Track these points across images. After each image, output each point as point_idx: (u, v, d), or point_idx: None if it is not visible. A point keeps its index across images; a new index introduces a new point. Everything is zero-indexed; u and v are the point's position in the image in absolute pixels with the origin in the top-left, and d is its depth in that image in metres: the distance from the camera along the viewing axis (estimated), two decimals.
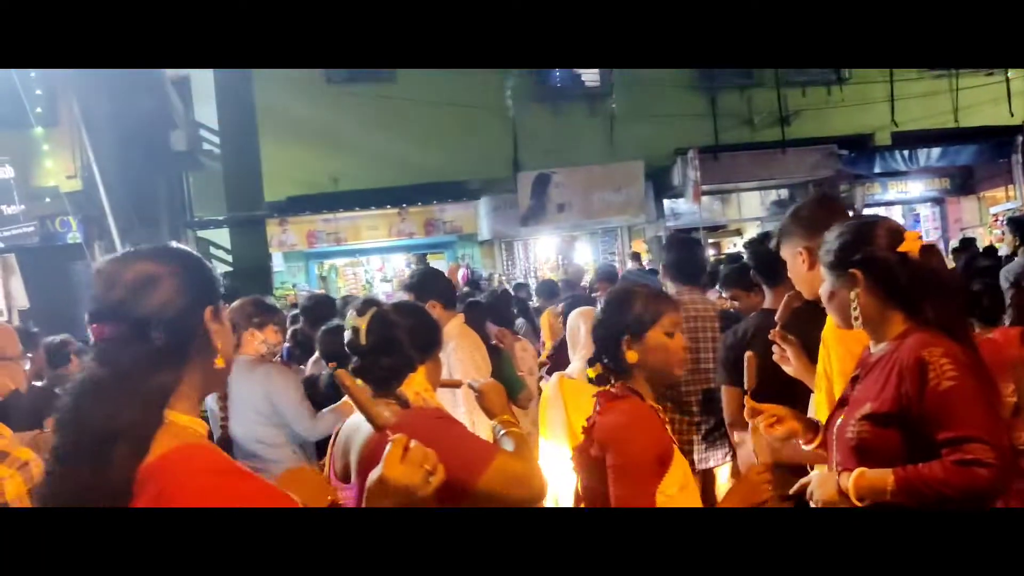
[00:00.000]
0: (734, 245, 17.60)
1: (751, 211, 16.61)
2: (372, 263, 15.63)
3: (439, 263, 15.39)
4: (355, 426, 2.25)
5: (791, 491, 2.25)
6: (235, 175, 15.10)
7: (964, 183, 16.85)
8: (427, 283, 4.20)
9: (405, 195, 14.32)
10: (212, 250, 16.54)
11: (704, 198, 14.70)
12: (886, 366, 2.08)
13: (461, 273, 14.35)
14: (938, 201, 17.31)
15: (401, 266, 15.59)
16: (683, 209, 15.70)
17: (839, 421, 2.19)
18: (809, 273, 2.58)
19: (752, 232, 17.18)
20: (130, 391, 1.34)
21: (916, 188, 16.84)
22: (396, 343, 2.25)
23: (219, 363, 1.45)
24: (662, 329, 2.31)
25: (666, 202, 15.60)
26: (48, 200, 11.84)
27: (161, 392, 1.38)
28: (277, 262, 14.54)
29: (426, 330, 2.41)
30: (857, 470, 2.03)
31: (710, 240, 16.88)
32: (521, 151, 14.79)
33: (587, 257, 16.05)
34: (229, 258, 16.38)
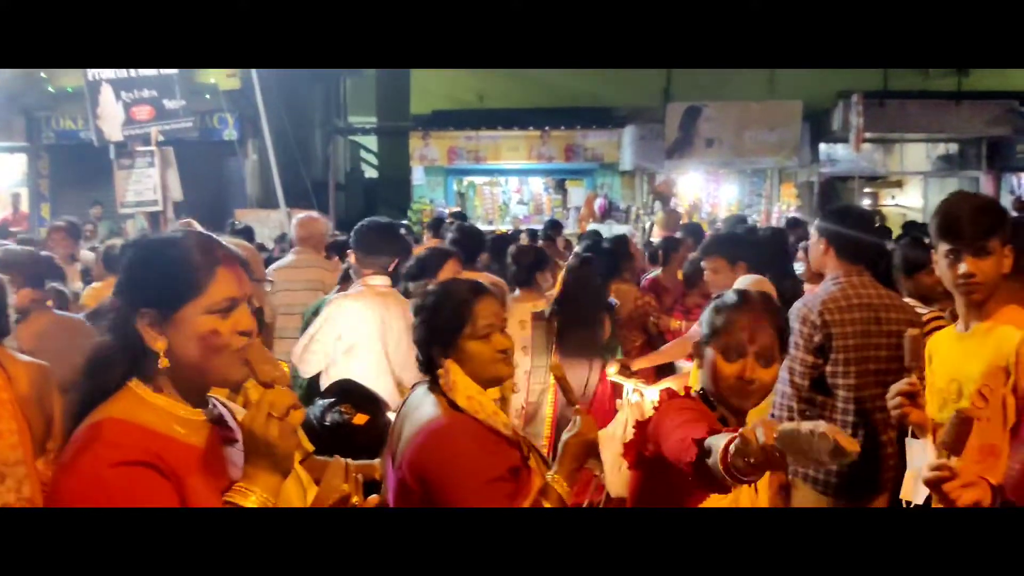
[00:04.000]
0: (892, 198, 16.63)
1: (914, 164, 15.56)
2: (510, 184, 15.61)
3: (577, 190, 15.24)
4: (412, 408, 2.17)
5: None
6: (386, 84, 15.31)
7: None
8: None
9: (548, 117, 14.13)
10: (363, 154, 16.93)
11: (864, 145, 13.89)
12: None
13: (598, 203, 14.18)
14: None
15: (539, 190, 15.50)
16: (840, 155, 14.89)
17: None
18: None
19: (915, 186, 16.17)
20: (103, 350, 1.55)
21: None
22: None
23: (162, 363, 1.51)
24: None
25: (822, 146, 14.81)
26: (208, 96, 12.30)
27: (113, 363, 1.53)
28: (417, 176, 14.74)
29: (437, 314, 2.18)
30: None
31: (866, 190, 15.99)
32: (673, 81, 14.28)
33: (733, 197, 15.49)
34: (375, 162, 16.78)
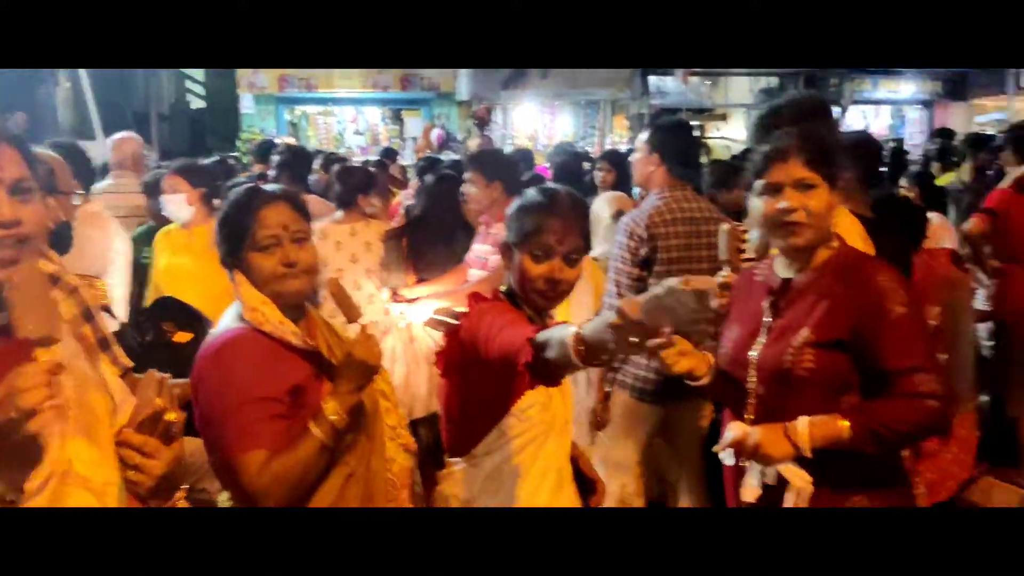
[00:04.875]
0: (717, 129, 17.29)
1: (739, 96, 16.23)
2: (345, 114, 15.21)
3: (414, 120, 15.05)
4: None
5: (718, 448, 2.12)
6: None
7: (955, 88, 16.43)
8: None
9: None
10: (188, 84, 16.09)
11: (692, 79, 14.33)
12: (824, 291, 2.03)
13: (435, 134, 14.04)
14: (927, 104, 16.96)
15: (375, 120, 15.21)
16: (669, 88, 15.31)
17: (756, 351, 2.11)
18: None
19: (739, 118, 16.86)
20: None
21: (907, 89, 16.47)
22: None
23: None
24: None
25: (652, 79, 15.18)
26: None
27: None
28: (247, 104, 14.13)
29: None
30: (805, 420, 1.95)
31: (693, 122, 16.51)
32: None
33: (568, 128, 15.70)
34: (203, 92, 15.96)
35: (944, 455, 4.28)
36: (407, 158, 12.89)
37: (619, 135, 15.06)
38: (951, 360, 4.09)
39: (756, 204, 2.11)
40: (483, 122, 13.91)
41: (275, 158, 5.26)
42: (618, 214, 4.14)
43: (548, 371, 1.64)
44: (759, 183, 2.09)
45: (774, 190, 2.06)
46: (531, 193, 2.11)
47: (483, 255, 4.09)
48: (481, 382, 1.96)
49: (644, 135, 3.53)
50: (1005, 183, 4.73)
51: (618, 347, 1.42)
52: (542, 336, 1.63)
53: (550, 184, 2.19)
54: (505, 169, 4.26)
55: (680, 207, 3.34)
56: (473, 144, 9.92)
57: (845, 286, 2.02)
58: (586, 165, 6.80)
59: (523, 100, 14.73)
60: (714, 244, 3.23)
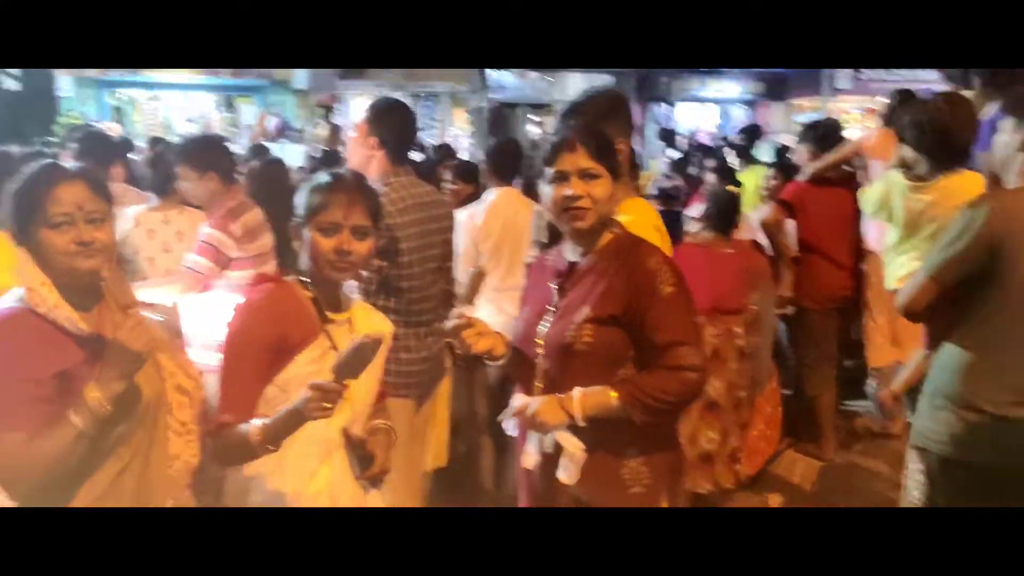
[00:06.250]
0: None
1: (576, 93, 16.43)
2: (173, 100, 14.58)
3: (250, 108, 14.62)
4: None
5: (501, 418, 2.25)
6: None
7: (775, 89, 17.47)
8: None
9: None
10: None
11: (531, 74, 14.55)
12: (603, 272, 2.18)
13: (272, 122, 13.67)
14: (750, 103, 17.94)
15: (208, 107, 14.66)
16: (508, 82, 15.50)
17: (542, 329, 2.25)
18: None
19: None
20: None
21: (732, 88, 17.36)
22: None
23: None
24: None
25: (492, 73, 15.33)
26: None
27: None
28: (66, 86, 13.31)
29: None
30: (578, 390, 2.10)
31: (531, 116, 16.80)
32: None
33: None
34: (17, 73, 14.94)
35: (751, 431, 4.57)
36: (242, 147, 12.50)
37: (459, 128, 15.14)
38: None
39: (545, 191, 2.23)
40: (330, 109, 13.64)
41: (72, 144, 5.00)
42: None
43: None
44: (548, 171, 2.21)
45: (561, 178, 2.19)
46: (319, 175, 2.21)
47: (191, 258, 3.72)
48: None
49: (362, 117, 3.32)
50: (801, 176, 5.05)
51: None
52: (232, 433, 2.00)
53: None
54: (217, 158, 3.86)
55: (410, 193, 3.20)
56: (322, 133, 9.64)
57: (621, 267, 2.17)
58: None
59: (362, 91, 14.55)
60: (445, 228, 3.36)
